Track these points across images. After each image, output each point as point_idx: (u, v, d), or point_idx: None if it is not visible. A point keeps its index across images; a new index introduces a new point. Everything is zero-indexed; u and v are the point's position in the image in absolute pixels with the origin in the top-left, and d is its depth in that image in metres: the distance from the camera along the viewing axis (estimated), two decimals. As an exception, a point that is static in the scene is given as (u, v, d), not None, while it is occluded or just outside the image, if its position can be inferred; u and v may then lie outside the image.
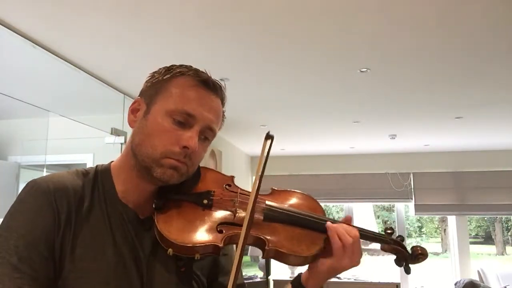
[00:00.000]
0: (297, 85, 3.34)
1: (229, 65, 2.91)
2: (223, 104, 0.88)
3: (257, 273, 5.53)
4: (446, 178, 6.20)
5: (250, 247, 5.10)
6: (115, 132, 3.29)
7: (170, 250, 0.77)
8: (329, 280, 0.87)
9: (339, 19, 2.25)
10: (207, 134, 0.84)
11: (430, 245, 11.76)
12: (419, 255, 0.94)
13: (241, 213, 0.84)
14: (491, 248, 10.85)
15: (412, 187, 6.24)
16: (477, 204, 6.11)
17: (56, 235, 0.75)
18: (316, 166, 6.47)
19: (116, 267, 0.77)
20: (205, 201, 0.84)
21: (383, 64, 2.89)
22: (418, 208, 6.21)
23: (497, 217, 9.87)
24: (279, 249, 0.83)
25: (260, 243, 0.83)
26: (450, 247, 6.54)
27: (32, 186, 0.77)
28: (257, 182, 0.76)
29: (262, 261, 5.66)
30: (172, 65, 0.87)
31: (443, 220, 10.53)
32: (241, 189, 0.89)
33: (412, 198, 6.24)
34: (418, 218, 11.17)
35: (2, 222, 0.76)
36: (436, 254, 11.43)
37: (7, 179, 3.59)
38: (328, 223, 0.86)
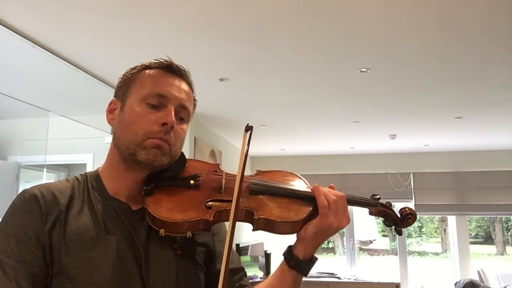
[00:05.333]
0: (297, 85, 3.34)
1: (229, 65, 2.92)
2: (191, 88, 0.93)
3: (257, 273, 5.53)
4: (446, 178, 6.21)
5: (250, 246, 5.06)
6: (115, 132, 3.29)
7: (162, 231, 0.80)
8: (320, 245, 0.89)
9: (339, 19, 2.25)
10: (182, 114, 0.89)
11: (430, 245, 11.75)
12: (408, 215, 0.94)
13: (228, 191, 0.86)
14: (491, 248, 10.84)
15: (412, 187, 6.25)
16: (477, 204, 6.11)
17: (46, 235, 0.78)
18: (316, 166, 6.47)
19: (113, 255, 0.80)
20: (192, 182, 0.88)
21: (383, 64, 2.89)
22: (418, 208, 6.21)
23: (497, 217, 9.88)
24: (268, 217, 0.84)
25: (249, 215, 0.85)
26: (450, 247, 6.55)
27: (23, 193, 0.83)
28: (243, 161, 0.80)
29: (262, 261, 5.66)
30: (136, 64, 0.93)
31: (443, 220, 10.54)
32: (226, 172, 0.92)
33: (412, 198, 6.24)
34: (418, 218, 11.13)
35: None
36: (436, 254, 11.43)
37: (7, 179, 3.59)
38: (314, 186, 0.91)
